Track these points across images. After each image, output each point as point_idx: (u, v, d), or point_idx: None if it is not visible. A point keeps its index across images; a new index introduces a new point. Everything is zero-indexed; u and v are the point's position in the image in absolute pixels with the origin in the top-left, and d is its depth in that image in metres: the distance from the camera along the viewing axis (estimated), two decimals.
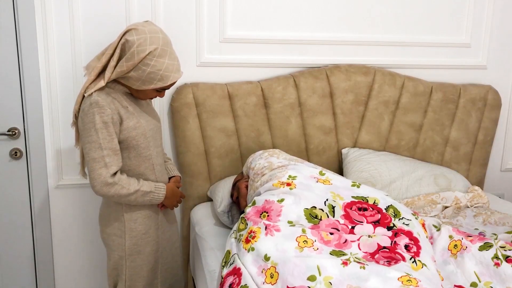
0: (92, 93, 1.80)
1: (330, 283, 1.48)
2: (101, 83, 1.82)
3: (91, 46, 2.38)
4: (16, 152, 2.41)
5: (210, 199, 2.56)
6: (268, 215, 1.79)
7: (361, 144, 2.72)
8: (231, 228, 2.28)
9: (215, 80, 2.55)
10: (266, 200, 1.85)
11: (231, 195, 2.30)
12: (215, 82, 2.53)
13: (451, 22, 2.81)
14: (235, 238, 1.81)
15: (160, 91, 1.91)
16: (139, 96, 1.92)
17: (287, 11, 2.58)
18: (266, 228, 1.72)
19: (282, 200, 1.84)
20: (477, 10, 2.82)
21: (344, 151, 2.70)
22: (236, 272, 1.63)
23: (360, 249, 1.66)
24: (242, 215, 1.86)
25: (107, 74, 1.81)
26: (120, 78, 1.85)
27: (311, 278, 1.50)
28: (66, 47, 2.36)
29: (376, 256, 1.63)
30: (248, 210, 1.85)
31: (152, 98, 1.96)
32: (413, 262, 1.61)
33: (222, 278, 1.68)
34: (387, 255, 1.63)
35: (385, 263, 1.59)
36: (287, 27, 2.60)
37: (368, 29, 2.70)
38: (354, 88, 2.65)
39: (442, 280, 1.71)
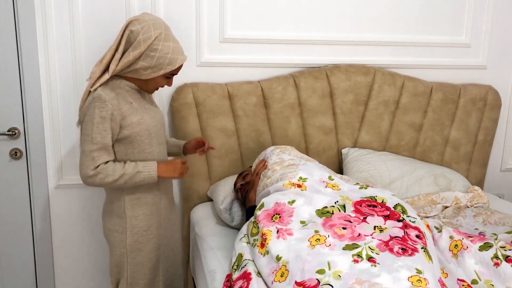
0: (96, 88, 1.84)
1: (339, 276, 1.48)
2: (105, 76, 1.85)
3: (91, 46, 2.38)
4: (16, 152, 2.41)
5: (210, 199, 2.56)
6: (280, 217, 1.79)
7: (361, 144, 2.72)
8: (231, 227, 2.28)
9: (215, 80, 2.55)
10: (276, 203, 1.86)
11: (243, 191, 2.29)
12: (215, 82, 2.53)
13: (451, 22, 2.81)
14: (247, 242, 1.81)
15: (169, 78, 1.93)
16: (148, 87, 1.94)
17: (287, 11, 2.58)
18: (278, 231, 1.72)
19: (293, 201, 1.85)
20: (477, 10, 2.82)
21: (344, 151, 2.70)
22: (246, 276, 1.63)
23: (373, 238, 1.65)
24: (253, 219, 1.85)
25: (112, 66, 1.84)
26: (127, 72, 1.87)
27: (320, 272, 1.50)
28: (66, 47, 2.36)
29: (391, 242, 1.62)
30: (259, 213, 1.85)
31: (161, 86, 1.97)
32: (424, 251, 1.60)
33: (232, 281, 1.68)
34: (401, 243, 1.62)
35: (400, 250, 1.58)
36: (287, 27, 2.60)
37: (368, 29, 2.70)
38: (354, 88, 2.65)
39: (446, 277, 1.72)
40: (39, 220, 2.51)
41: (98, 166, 1.83)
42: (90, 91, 1.87)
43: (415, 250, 1.59)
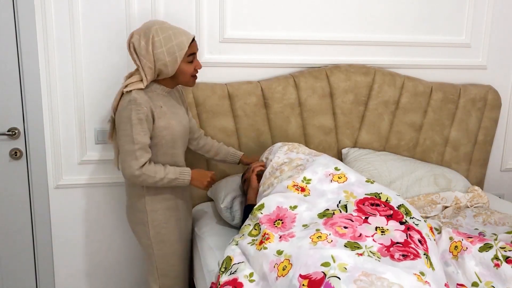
0: (131, 91, 1.93)
1: (345, 268, 1.46)
2: (141, 85, 1.94)
3: (91, 46, 2.38)
4: (16, 152, 2.41)
5: (210, 199, 2.56)
6: (282, 222, 1.80)
7: (361, 144, 2.72)
8: (231, 227, 2.28)
9: (215, 80, 2.55)
10: (278, 207, 1.86)
11: (243, 181, 2.30)
12: (215, 82, 2.53)
13: (451, 22, 2.81)
14: (236, 244, 1.80)
15: (191, 61, 1.99)
16: (182, 81, 2.02)
17: (287, 11, 2.58)
18: (280, 237, 1.73)
19: (295, 207, 1.85)
20: (477, 10, 2.82)
21: (344, 151, 2.70)
22: (236, 285, 1.61)
23: (375, 241, 1.63)
24: (255, 221, 1.85)
25: (143, 78, 1.94)
26: (157, 76, 1.97)
27: (325, 264, 1.49)
28: (66, 47, 2.36)
29: (391, 249, 1.60)
30: (260, 216, 1.84)
31: (192, 73, 2.02)
32: (426, 258, 1.59)
33: (219, 284, 1.67)
34: (402, 249, 1.61)
35: (400, 256, 1.57)
36: (287, 27, 2.60)
37: (368, 29, 2.70)
38: (354, 88, 2.65)
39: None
40: (39, 220, 2.51)
41: (143, 166, 1.92)
42: (123, 92, 1.96)
43: (417, 255, 1.58)
